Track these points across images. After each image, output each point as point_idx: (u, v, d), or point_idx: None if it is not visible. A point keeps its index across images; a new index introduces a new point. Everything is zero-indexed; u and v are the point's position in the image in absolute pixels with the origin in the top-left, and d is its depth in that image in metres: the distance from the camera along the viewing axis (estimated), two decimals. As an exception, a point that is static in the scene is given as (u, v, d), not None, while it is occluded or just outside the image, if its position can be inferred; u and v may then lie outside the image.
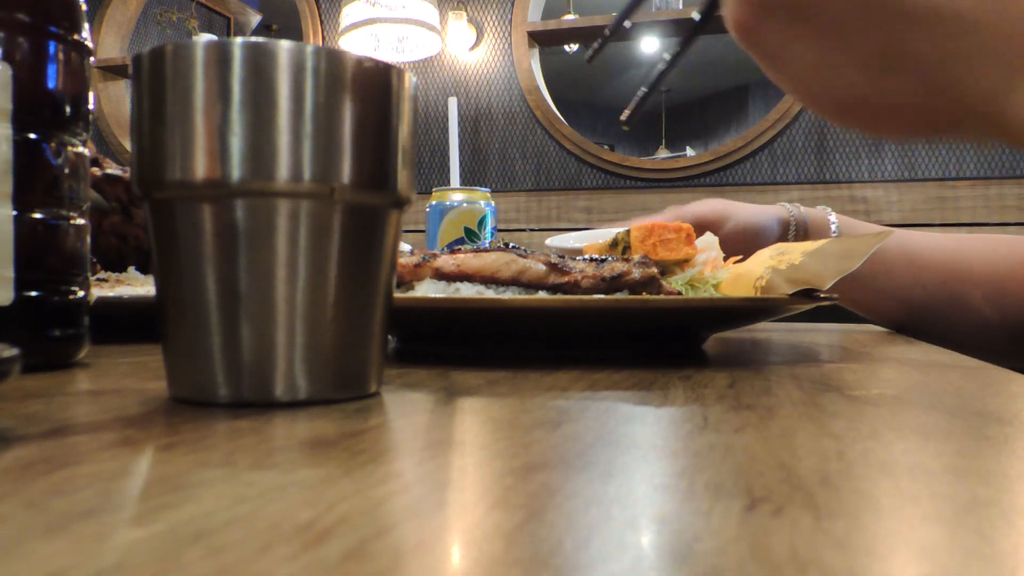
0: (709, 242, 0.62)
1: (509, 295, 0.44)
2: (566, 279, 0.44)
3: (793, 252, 0.55)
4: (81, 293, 0.38)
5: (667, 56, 0.46)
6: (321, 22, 2.99)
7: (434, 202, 0.84)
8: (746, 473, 0.18)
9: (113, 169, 0.67)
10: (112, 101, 3.18)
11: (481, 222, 0.83)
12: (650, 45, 5.32)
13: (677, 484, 0.17)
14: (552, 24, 2.83)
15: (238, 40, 0.25)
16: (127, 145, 2.98)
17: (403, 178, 0.28)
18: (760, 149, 2.62)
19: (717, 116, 6.59)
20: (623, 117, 0.48)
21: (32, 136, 0.35)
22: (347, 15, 2.56)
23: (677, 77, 5.91)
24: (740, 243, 0.71)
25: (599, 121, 6.70)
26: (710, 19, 0.45)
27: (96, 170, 0.66)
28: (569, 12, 3.65)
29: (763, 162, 2.62)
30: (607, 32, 0.49)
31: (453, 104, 0.92)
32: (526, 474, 0.17)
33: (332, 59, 0.26)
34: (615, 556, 0.12)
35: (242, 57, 0.25)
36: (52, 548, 0.12)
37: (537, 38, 2.82)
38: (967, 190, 2.42)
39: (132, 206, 0.68)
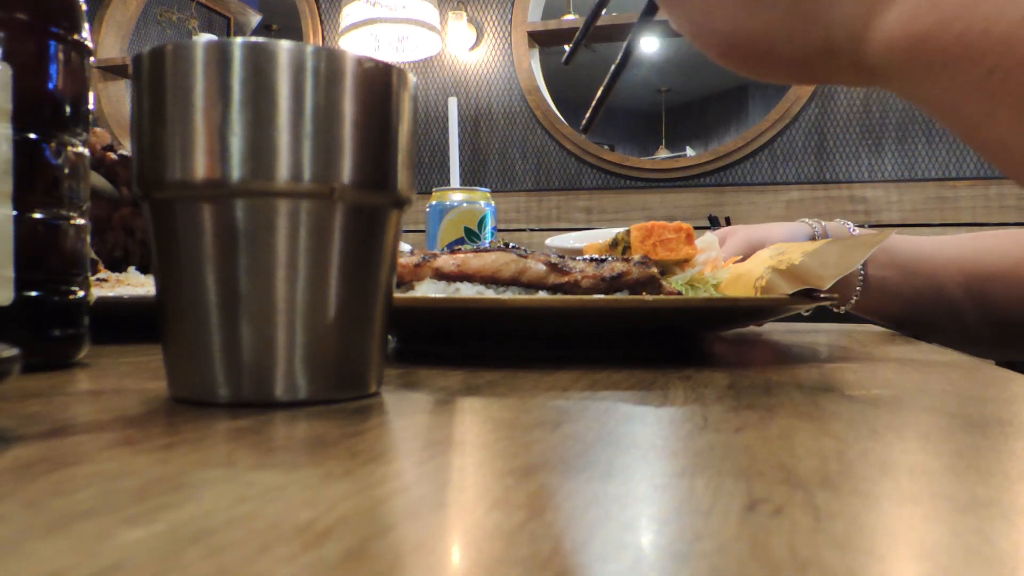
0: (709, 242, 0.62)
1: (509, 295, 0.44)
2: (566, 279, 0.44)
3: (793, 252, 0.55)
4: (81, 293, 0.38)
5: (619, 57, 0.46)
6: (321, 22, 2.99)
7: (434, 202, 0.84)
8: (746, 473, 0.18)
9: (127, 151, 0.67)
10: (112, 101, 3.18)
11: (481, 222, 0.83)
12: (650, 45, 5.32)
13: (677, 484, 0.17)
14: (552, 24, 2.83)
15: (238, 40, 0.25)
16: (127, 145, 2.98)
17: (403, 178, 0.28)
18: (760, 149, 2.62)
19: (717, 116, 6.58)
20: (582, 125, 0.48)
21: (32, 136, 0.35)
22: (347, 15, 2.56)
23: (677, 77, 5.91)
24: (742, 259, 0.71)
25: (599, 121, 6.67)
26: (653, 12, 0.44)
27: (111, 154, 0.66)
28: (569, 12, 3.65)
29: (763, 162, 2.62)
30: (578, 36, 0.49)
31: (453, 104, 0.92)
32: (526, 474, 0.17)
33: (332, 59, 0.26)
34: (615, 556, 0.12)
35: (242, 57, 0.25)
36: (52, 548, 0.12)
37: (537, 38, 2.82)
38: (967, 190, 2.42)
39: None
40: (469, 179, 2.78)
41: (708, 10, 0.27)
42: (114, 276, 0.63)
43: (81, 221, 0.38)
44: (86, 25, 0.38)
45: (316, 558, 0.12)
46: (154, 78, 0.26)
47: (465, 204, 0.83)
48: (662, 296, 0.45)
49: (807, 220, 0.81)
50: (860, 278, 0.73)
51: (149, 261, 0.68)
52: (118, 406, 0.27)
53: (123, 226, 0.67)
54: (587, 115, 0.47)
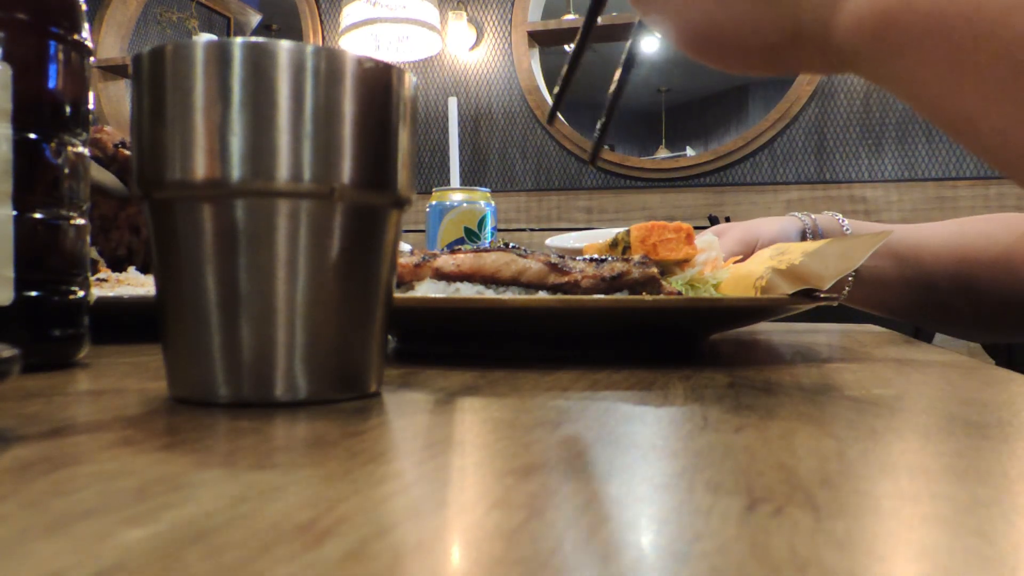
0: (709, 242, 0.62)
1: (509, 295, 0.44)
2: (566, 279, 0.44)
3: (793, 252, 0.55)
4: (81, 293, 0.38)
5: (616, 80, 0.45)
6: (321, 22, 2.99)
7: (434, 202, 0.84)
8: (746, 473, 0.18)
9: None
10: (112, 101, 3.18)
11: (481, 222, 0.83)
12: (650, 45, 5.32)
13: (677, 484, 0.17)
14: (552, 24, 2.83)
15: (238, 40, 0.25)
16: (127, 145, 2.98)
17: (403, 178, 0.28)
18: (760, 149, 2.62)
19: (717, 116, 6.58)
20: (588, 158, 0.48)
21: (32, 136, 0.35)
22: (347, 15, 2.56)
23: (677, 77, 5.91)
24: (742, 259, 0.72)
25: (599, 121, 6.68)
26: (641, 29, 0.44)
27: (124, 150, 0.65)
28: (569, 12, 3.65)
29: (763, 162, 2.62)
30: (560, 84, 0.48)
31: (453, 104, 0.92)
32: (526, 474, 0.17)
33: (332, 59, 0.26)
34: (615, 556, 0.12)
35: (242, 57, 0.25)
36: (52, 548, 0.12)
37: (537, 38, 2.82)
38: (967, 190, 2.42)
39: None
40: (469, 179, 2.78)
41: (681, 5, 0.28)
42: (114, 276, 0.63)
43: (81, 221, 0.38)
44: (86, 25, 0.38)
45: (316, 558, 0.12)
46: (154, 78, 0.26)
47: (465, 204, 0.83)
48: (662, 296, 0.45)
49: (797, 214, 0.81)
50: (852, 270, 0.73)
51: (150, 261, 0.67)
52: (118, 406, 0.27)
53: (129, 224, 0.67)
54: (592, 145, 0.47)
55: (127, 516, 0.14)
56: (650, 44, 5.33)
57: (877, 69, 0.25)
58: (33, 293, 0.35)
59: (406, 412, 0.27)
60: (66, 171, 0.37)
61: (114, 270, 0.65)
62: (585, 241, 0.79)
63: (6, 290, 0.28)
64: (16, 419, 0.23)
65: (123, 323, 0.51)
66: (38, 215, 0.35)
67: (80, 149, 0.38)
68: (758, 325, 0.78)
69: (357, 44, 2.59)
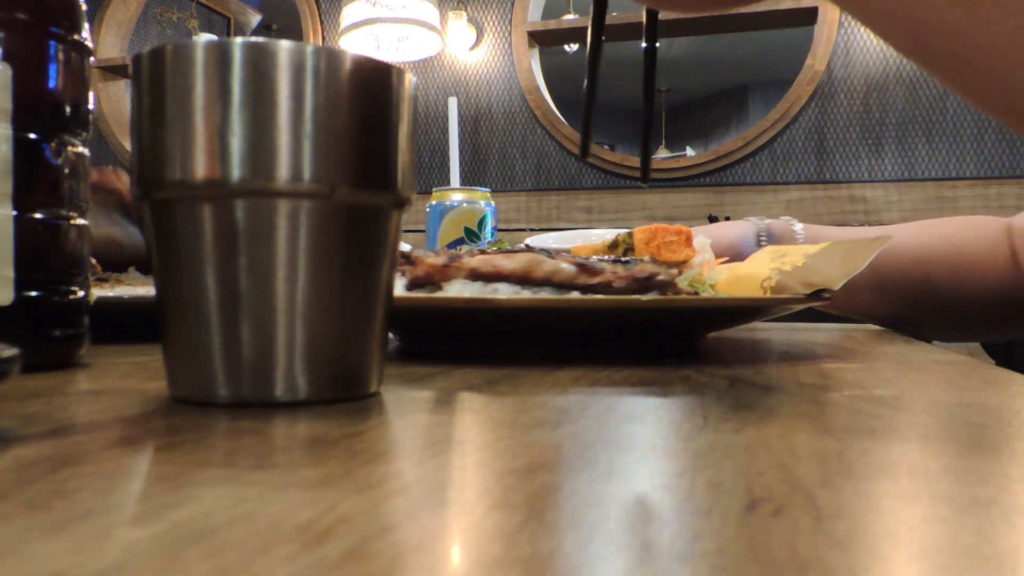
0: (701, 244, 0.63)
1: (543, 295, 0.44)
2: (598, 280, 0.44)
3: (794, 254, 0.56)
4: (81, 293, 0.38)
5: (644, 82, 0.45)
6: (321, 22, 2.99)
7: (434, 202, 0.84)
8: (746, 473, 0.18)
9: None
10: (112, 101, 3.18)
11: (481, 222, 0.83)
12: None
13: (677, 484, 0.17)
14: (552, 24, 2.83)
15: (238, 40, 0.25)
16: (127, 145, 2.98)
17: (403, 178, 0.28)
18: (760, 149, 2.62)
19: (717, 116, 6.58)
20: (642, 177, 0.47)
21: (32, 136, 0.35)
22: (347, 15, 2.56)
23: (677, 77, 5.91)
24: (728, 260, 0.73)
25: (599, 121, 6.69)
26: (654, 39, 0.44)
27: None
28: (569, 12, 3.65)
29: (763, 162, 2.62)
30: (584, 117, 0.48)
31: (453, 104, 0.92)
32: (526, 474, 0.17)
33: (332, 59, 0.26)
34: (615, 556, 0.12)
35: (242, 57, 0.25)
36: (52, 548, 0.12)
37: (537, 38, 2.82)
38: (967, 190, 2.42)
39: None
40: (469, 179, 2.78)
41: None
42: (114, 276, 0.63)
43: (81, 221, 0.38)
44: (86, 25, 0.38)
45: (316, 558, 0.12)
46: (154, 78, 0.26)
47: (465, 204, 0.83)
48: (670, 296, 0.45)
49: (753, 218, 0.84)
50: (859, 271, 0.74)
51: (150, 261, 0.67)
52: (118, 406, 0.27)
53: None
54: (643, 164, 0.46)
55: (127, 516, 0.14)
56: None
57: None
58: (33, 293, 0.35)
59: (406, 412, 0.27)
60: (66, 171, 0.37)
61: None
62: (565, 242, 0.80)
63: (6, 290, 0.28)
64: (16, 419, 0.23)
65: (123, 323, 0.51)
66: (38, 215, 0.35)
67: (80, 149, 0.38)
68: (758, 325, 0.78)
69: (357, 44, 2.59)
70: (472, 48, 2.86)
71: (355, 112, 0.26)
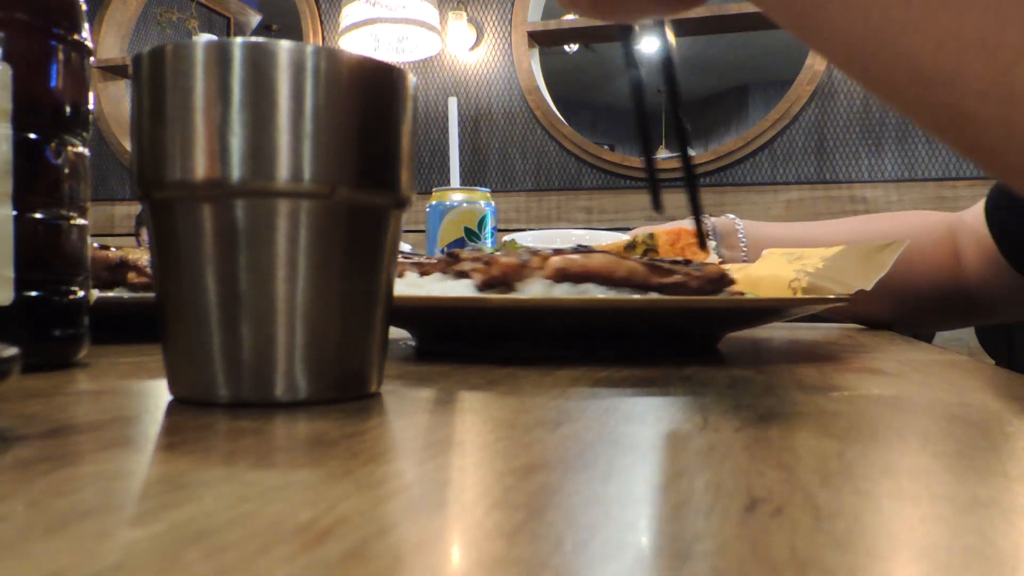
0: (710, 246, 0.65)
1: (625, 295, 0.44)
2: (671, 280, 0.45)
3: (809, 257, 0.57)
4: (81, 293, 0.38)
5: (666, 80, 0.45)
6: (321, 22, 2.99)
7: (434, 202, 0.84)
8: (746, 473, 0.18)
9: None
10: (112, 101, 3.18)
11: (481, 222, 0.83)
12: (651, 44, 5.32)
13: (677, 484, 0.17)
14: (552, 24, 2.83)
15: (238, 40, 0.25)
16: (127, 145, 2.98)
17: (403, 178, 0.28)
18: (760, 149, 2.62)
19: (717, 116, 6.58)
20: (653, 204, 0.47)
21: (32, 136, 0.35)
22: (347, 15, 2.56)
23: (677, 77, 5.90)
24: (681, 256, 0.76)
25: (599, 121, 6.69)
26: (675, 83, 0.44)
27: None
28: (569, 12, 3.64)
29: (763, 162, 2.62)
30: (645, 170, 0.47)
31: (453, 104, 0.92)
32: (526, 474, 0.17)
33: (332, 59, 0.26)
34: (615, 556, 0.12)
35: (242, 57, 0.25)
36: (52, 548, 0.12)
37: (537, 38, 2.82)
38: (967, 190, 2.42)
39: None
40: (469, 179, 2.78)
41: None
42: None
43: (82, 221, 0.38)
44: (86, 25, 0.38)
45: (316, 558, 0.12)
46: (154, 78, 0.26)
47: (465, 204, 0.83)
48: (683, 297, 0.45)
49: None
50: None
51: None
52: (118, 406, 0.27)
53: None
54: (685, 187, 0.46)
55: (127, 516, 0.14)
56: (651, 45, 5.33)
57: None
58: (33, 293, 0.35)
59: (406, 412, 0.27)
60: (66, 171, 0.37)
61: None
62: (542, 241, 0.81)
63: (6, 290, 0.28)
64: (16, 419, 0.23)
65: (123, 323, 0.51)
66: (38, 215, 0.35)
67: (80, 149, 0.38)
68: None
69: (357, 44, 2.59)
70: (472, 48, 2.86)
71: (355, 112, 0.26)
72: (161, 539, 0.13)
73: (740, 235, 0.81)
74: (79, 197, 0.38)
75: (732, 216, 0.84)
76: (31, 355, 0.25)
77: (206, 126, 0.25)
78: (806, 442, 0.21)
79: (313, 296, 0.26)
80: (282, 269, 0.26)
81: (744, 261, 0.76)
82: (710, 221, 0.82)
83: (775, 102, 2.67)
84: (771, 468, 0.18)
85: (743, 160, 2.63)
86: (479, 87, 2.86)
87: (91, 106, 0.39)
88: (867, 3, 0.18)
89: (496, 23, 2.85)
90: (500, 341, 0.45)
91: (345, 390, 0.27)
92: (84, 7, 0.38)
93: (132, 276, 0.58)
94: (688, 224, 0.73)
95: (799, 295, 0.55)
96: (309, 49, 0.26)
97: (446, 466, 0.19)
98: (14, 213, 0.29)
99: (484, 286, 0.45)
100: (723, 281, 0.46)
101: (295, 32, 3.12)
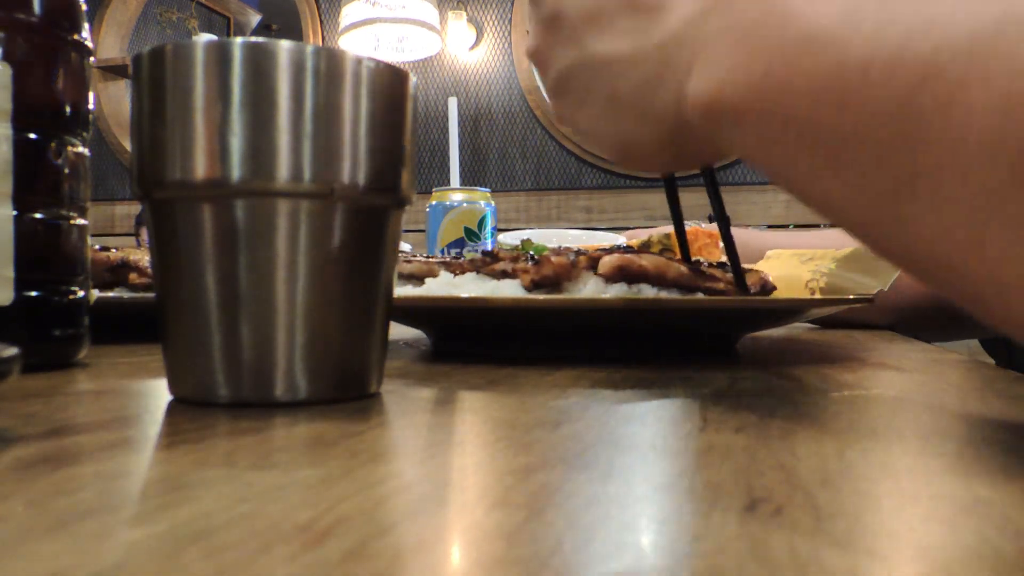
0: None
1: (674, 295, 0.44)
2: (719, 286, 0.45)
3: (821, 258, 0.58)
4: (81, 293, 0.38)
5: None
6: (321, 22, 2.99)
7: (434, 202, 0.84)
8: (746, 473, 0.18)
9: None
10: (112, 101, 3.18)
11: (481, 222, 0.83)
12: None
13: (677, 484, 0.17)
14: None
15: (238, 40, 0.25)
16: (127, 145, 2.98)
17: (403, 178, 0.28)
18: (760, 149, 2.61)
19: (717, 116, 6.56)
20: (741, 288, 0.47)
21: (33, 136, 0.35)
22: (347, 15, 2.56)
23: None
24: None
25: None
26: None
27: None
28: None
29: (763, 162, 2.61)
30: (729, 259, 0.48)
31: (453, 104, 0.92)
32: (526, 474, 0.17)
33: (332, 59, 0.26)
34: (615, 556, 0.12)
35: (242, 57, 0.25)
36: (52, 548, 0.12)
37: (537, 38, 2.82)
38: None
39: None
40: (469, 179, 2.78)
41: (598, 132, 0.31)
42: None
43: (82, 221, 0.38)
44: (86, 25, 0.38)
45: (316, 558, 0.12)
46: (154, 78, 0.26)
47: (465, 204, 0.83)
48: (700, 297, 0.45)
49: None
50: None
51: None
52: (118, 406, 0.27)
53: None
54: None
55: (127, 516, 0.14)
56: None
57: (743, 151, 0.26)
58: (33, 293, 0.35)
59: (406, 412, 0.27)
60: (66, 171, 0.37)
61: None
62: (541, 241, 0.82)
63: (6, 290, 0.28)
64: (16, 419, 0.23)
65: (123, 323, 0.51)
66: (39, 215, 0.35)
67: (80, 149, 0.38)
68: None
69: (356, 44, 2.59)
70: (472, 48, 2.86)
71: (355, 112, 0.26)
72: (161, 539, 0.13)
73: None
74: (79, 197, 0.38)
75: (753, 228, 0.85)
76: (31, 355, 0.25)
77: (206, 126, 0.25)
78: (806, 442, 0.21)
79: (313, 296, 0.26)
80: (282, 269, 0.26)
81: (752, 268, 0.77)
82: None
83: (775, 102, 2.66)
84: (771, 468, 0.18)
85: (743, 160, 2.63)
86: (479, 87, 2.86)
87: (91, 106, 0.39)
88: (873, 201, 0.20)
89: (496, 23, 2.85)
90: (533, 341, 0.45)
91: (345, 390, 0.27)
92: (84, 7, 0.38)
93: (133, 277, 0.58)
94: (701, 225, 0.73)
95: (818, 296, 0.55)
96: (309, 49, 0.26)
97: (446, 466, 0.19)
98: (14, 213, 0.29)
99: (534, 286, 0.44)
100: (767, 286, 0.47)
101: (295, 32, 3.12)
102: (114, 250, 0.59)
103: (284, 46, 0.25)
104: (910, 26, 0.18)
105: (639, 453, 0.20)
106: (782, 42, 0.21)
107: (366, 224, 0.27)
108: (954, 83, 0.17)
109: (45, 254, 0.36)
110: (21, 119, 0.30)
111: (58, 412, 0.25)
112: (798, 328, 0.80)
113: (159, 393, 0.29)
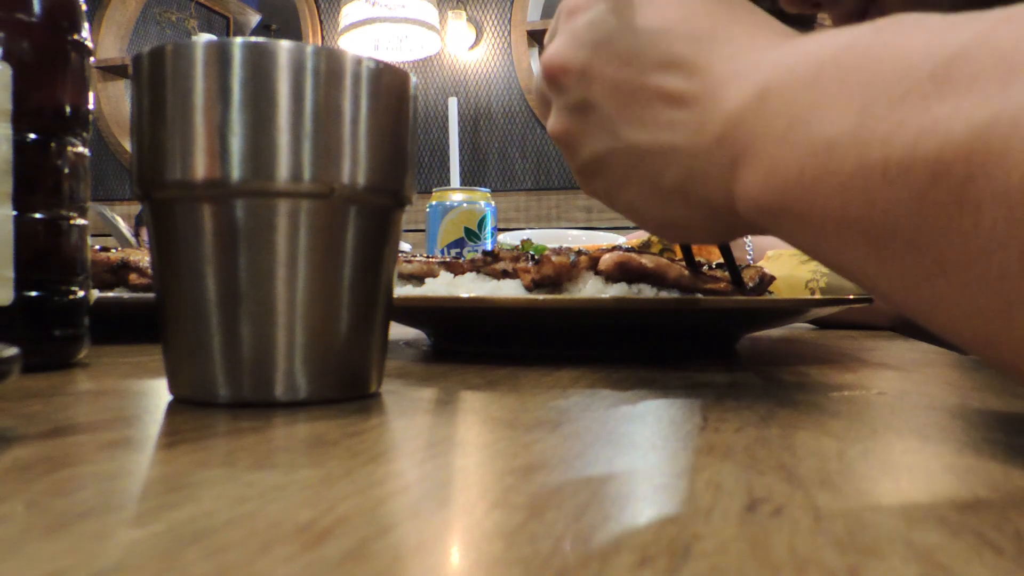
0: None
1: (674, 295, 0.44)
2: (719, 286, 0.45)
3: None
4: (81, 293, 0.38)
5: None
6: (320, 22, 2.99)
7: (434, 202, 0.84)
8: (746, 473, 0.18)
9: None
10: (112, 101, 3.18)
11: (481, 222, 0.83)
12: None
13: (677, 484, 0.17)
14: (552, 23, 2.82)
15: (238, 40, 0.25)
16: (127, 145, 2.99)
17: (403, 178, 0.28)
18: (760, 149, 2.61)
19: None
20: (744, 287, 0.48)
21: (33, 136, 0.35)
22: (346, 15, 2.56)
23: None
24: None
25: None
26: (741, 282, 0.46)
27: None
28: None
29: (763, 162, 2.61)
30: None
31: (453, 104, 0.92)
32: (526, 474, 0.17)
33: (332, 59, 0.26)
34: (615, 556, 0.12)
35: (242, 57, 0.25)
36: (52, 548, 0.12)
37: (537, 37, 2.82)
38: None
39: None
40: (469, 179, 2.78)
41: (641, 212, 0.32)
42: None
43: (82, 221, 0.38)
44: (86, 25, 0.38)
45: (316, 558, 0.12)
46: (154, 78, 0.26)
47: (465, 204, 0.83)
48: (701, 297, 0.46)
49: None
50: None
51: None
52: (118, 406, 0.27)
53: None
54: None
55: (127, 516, 0.14)
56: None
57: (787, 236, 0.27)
58: (33, 293, 0.35)
59: (406, 412, 0.27)
60: (66, 171, 0.37)
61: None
62: (539, 241, 0.83)
63: (6, 290, 0.28)
64: (16, 419, 0.23)
65: (123, 323, 0.51)
66: (39, 215, 0.35)
67: (80, 149, 0.38)
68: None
69: (356, 44, 2.59)
70: (471, 48, 2.86)
71: (355, 112, 0.26)
72: (161, 539, 0.13)
73: (746, 241, 0.82)
74: (79, 197, 0.38)
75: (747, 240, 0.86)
76: (31, 355, 0.25)
77: (206, 126, 0.25)
78: (806, 442, 0.21)
79: (313, 296, 0.26)
80: (282, 269, 0.26)
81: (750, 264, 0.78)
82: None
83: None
84: (771, 468, 0.18)
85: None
86: (479, 87, 2.86)
87: (91, 106, 0.39)
88: (911, 285, 0.21)
89: (495, 22, 2.85)
90: (533, 341, 0.45)
91: (345, 390, 0.27)
92: (84, 7, 0.38)
93: (134, 277, 0.58)
94: None
95: (818, 295, 0.55)
96: (309, 49, 0.26)
97: (446, 466, 0.19)
98: (14, 213, 0.29)
99: (535, 285, 0.44)
100: (764, 281, 0.47)
101: (294, 32, 3.12)
102: (114, 250, 0.59)
103: (284, 46, 0.25)
104: (919, 127, 0.20)
105: (639, 453, 0.20)
106: (811, 147, 0.23)
107: (366, 224, 0.27)
108: (961, 179, 0.18)
109: (45, 254, 0.36)
110: (21, 119, 0.30)
111: (58, 412, 0.25)
112: (798, 328, 0.80)
113: (159, 393, 0.29)
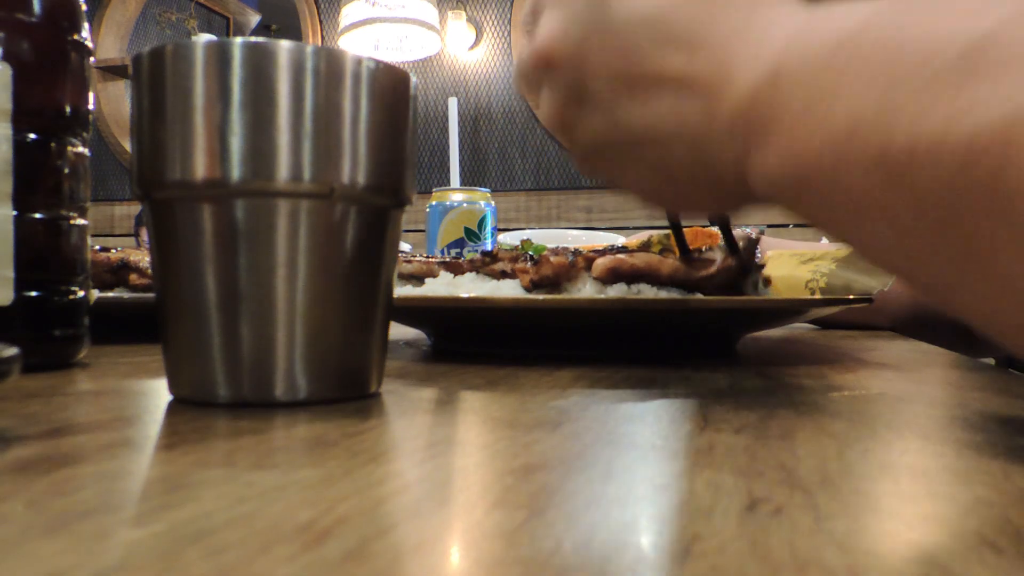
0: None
1: (674, 295, 0.44)
2: (711, 271, 0.45)
3: (821, 258, 0.58)
4: (81, 293, 0.38)
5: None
6: (320, 22, 2.99)
7: (434, 202, 0.84)
8: (746, 473, 0.18)
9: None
10: (112, 101, 3.18)
11: (481, 222, 0.83)
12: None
13: (677, 484, 0.17)
14: None
15: (238, 40, 0.25)
16: (127, 145, 2.98)
17: (403, 178, 0.28)
18: (760, 149, 2.61)
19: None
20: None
21: (33, 136, 0.35)
22: (346, 15, 2.56)
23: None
24: None
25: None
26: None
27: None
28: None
29: (763, 162, 2.61)
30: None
31: (453, 104, 0.92)
32: (526, 474, 0.17)
33: (332, 59, 0.26)
34: (615, 556, 0.12)
35: (242, 57, 0.25)
36: (52, 548, 0.12)
37: (537, 38, 2.82)
38: (967, 190, 2.42)
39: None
40: (469, 179, 2.78)
41: (642, 182, 0.31)
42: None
43: (82, 221, 0.38)
44: (86, 25, 0.38)
45: (316, 558, 0.12)
46: (154, 78, 0.26)
47: (465, 204, 0.83)
48: (702, 296, 0.45)
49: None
50: None
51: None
52: (118, 406, 0.27)
53: None
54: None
55: (127, 516, 0.14)
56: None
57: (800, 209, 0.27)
58: (33, 293, 0.35)
59: (406, 412, 0.27)
60: (66, 171, 0.37)
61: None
62: (539, 241, 0.83)
63: (6, 290, 0.28)
64: (16, 419, 0.23)
65: (123, 323, 0.51)
66: (39, 215, 0.35)
67: (80, 149, 0.38)
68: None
69: (356, 44, 2.59)
70: (471, 48, 2.86)
71: (355, 112, 0.26)
72: (161, 539, 0.13)
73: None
74: (79, 197, 0.38)
75: (748, 228, 0.86)
76: (31, 355, 0.25)
77: (206, 126, 0.25)
78: (806, 442, 0.21)
79: (313, 296, 0.26)
80: (282, 269, 0.26)
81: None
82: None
83: (775, 102, 2.66)
84: (771, 468, 0.18)
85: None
86: (479, 87, 2.86)
87: (91, 106, 0.39)
88: (934, 266, 0.21)
89: (495, 22, 2.85)
90: (533, 341, 0.45)
91: (345, 390, 0.27)
92: (84, 7, 0.38)
93: (134, 278, 0.58)
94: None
95: (818, 295, 0.55)
96: (309, 49, 0.26)
97: (446, 466, 0.19)
98: (14, 213, 0.29)
99: (534, 286, 0.44)
100: (751, 242, 0.47)
101: (294, 32, 3.12)
102: (114, 251, 0.59)
103: (284, 46, 0.25)
104: (948, 114, 0.19)
105: (639, 453, 0.20)
106: (831, 132, 0.22)
107: (366, 224, 0.27)
108: (994, 166, 0.18)
109: (45, 254, 0.36)
110: (21, 119, 0.30)
111: (58, 412, 0.25)
112: (798, 328, 0.80)
113: (159, 393, 0.29)
